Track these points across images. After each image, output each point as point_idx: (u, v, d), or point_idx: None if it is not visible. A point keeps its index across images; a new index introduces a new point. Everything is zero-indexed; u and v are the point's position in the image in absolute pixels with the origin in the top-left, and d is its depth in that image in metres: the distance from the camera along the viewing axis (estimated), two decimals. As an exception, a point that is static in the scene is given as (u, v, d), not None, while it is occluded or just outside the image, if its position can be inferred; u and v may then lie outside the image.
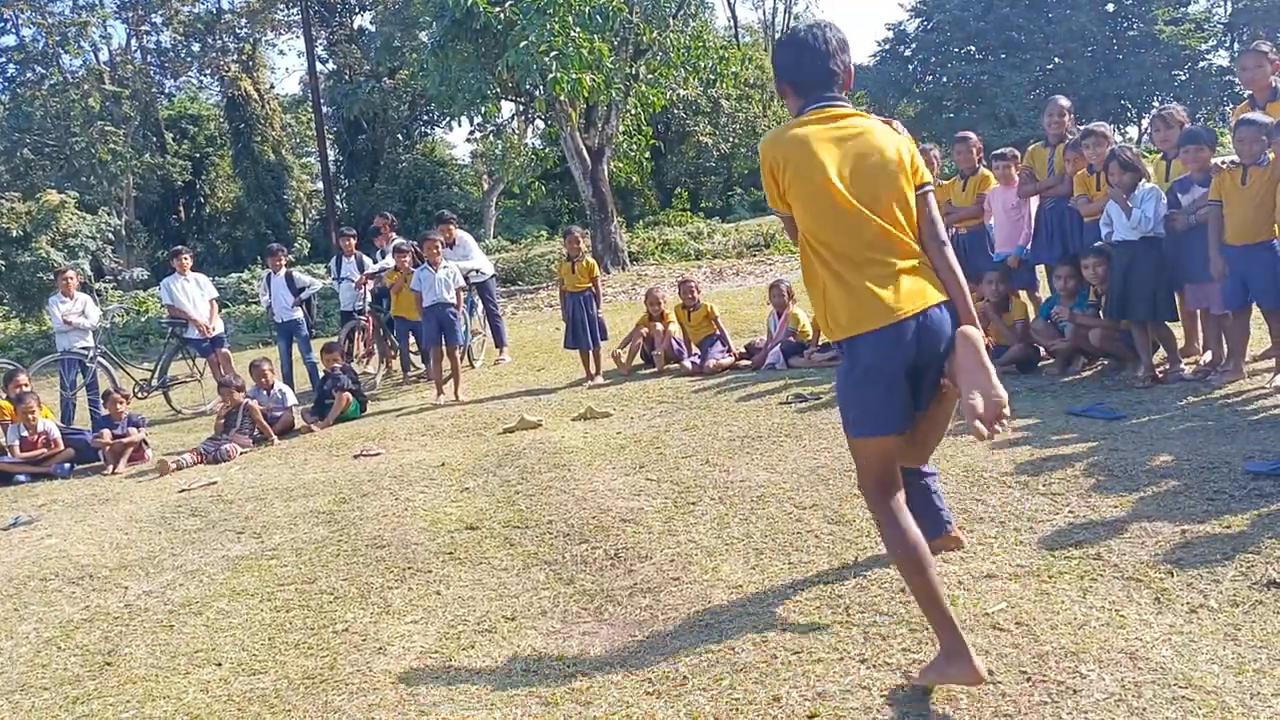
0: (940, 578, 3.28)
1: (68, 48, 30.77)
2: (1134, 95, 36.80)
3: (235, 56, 34.69)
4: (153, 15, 33.22)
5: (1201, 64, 37.18)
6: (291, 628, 3.71)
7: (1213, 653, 2.64)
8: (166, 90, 36.82)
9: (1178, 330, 6.30)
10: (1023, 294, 7.07)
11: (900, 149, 2.59)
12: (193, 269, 10.08)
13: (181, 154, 34.34)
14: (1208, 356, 5.97)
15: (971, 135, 7.49)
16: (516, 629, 3.42)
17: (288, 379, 9.40)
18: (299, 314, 9.98)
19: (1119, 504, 3.80)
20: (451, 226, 10.12)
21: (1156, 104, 35.20)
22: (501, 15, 16.23)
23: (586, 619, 3.42)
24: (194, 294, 9.80)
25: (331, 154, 31.52)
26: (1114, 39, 36.96)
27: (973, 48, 37.53)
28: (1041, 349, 6.60)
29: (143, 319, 19.61)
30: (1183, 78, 36.88)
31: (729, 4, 42.36)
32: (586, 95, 16.54)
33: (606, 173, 19.66)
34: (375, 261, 10.49)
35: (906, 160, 2.59)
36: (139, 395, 9.55)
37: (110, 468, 7.37)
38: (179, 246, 11.06)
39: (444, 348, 8.39)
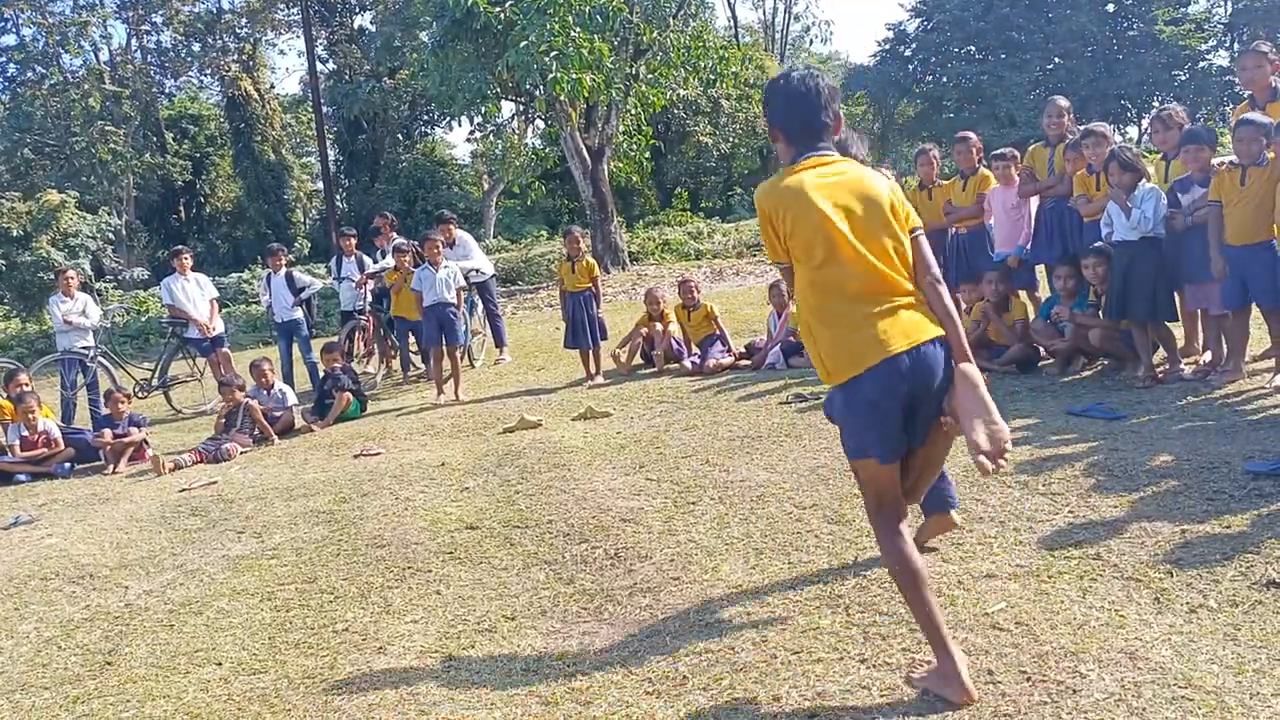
0: (940, 578, 3.29)
1: (68, 47, 30.76)
2: (1134, 95, 36.76)
3: (235, 56, 34.68)
4: (153, 15, 33.20)
5: (1201, 64, 37.14)
6: (292, 627, 3.71)
7: (1212, 653, 2.64)
8: (167, 90, 36.80)
9: (1178, 330, 6.31)
10: (1023, 294, 7.07)
11: (892, 194, 2.66)
12: (193, 269, 10.09)
13: (182, 154, 34.33)
14: (1207, 356, 5.98)
15: (972, 135, 7.49)
16: (516, 628, 3.42)
17: (288, 379, 9.40)
18: (299, 314, 9.98)
19: (1119, 504, 3.80)
20: (451, 226, 10.12)
21: (1156, 104, 35.18)
22: (502, 15, 16.22)
23: (586, 619, 3.43)
24: (194, 294, 9.80)
25: (332, 154, 31.51)
26: (1114, 39, 36.92)
27: (973, 48, 37.48)
28: (1041, 349, 6.60)
29: (143, 319, 19.61)
30: (1183, 78, 36.84)
31: (729, 4, 42.37)
32: (586, 95, 16.54)
33: (606, 173, 19.66)
34: (375, 261, 10.49)
35: (899, 204, 2.66)
36: (139, 395, 9.55)
37: (111, 467, 7.38)
38: (179, 246, 11.07)
39: (444, 347, 8.40)
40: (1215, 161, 5.61)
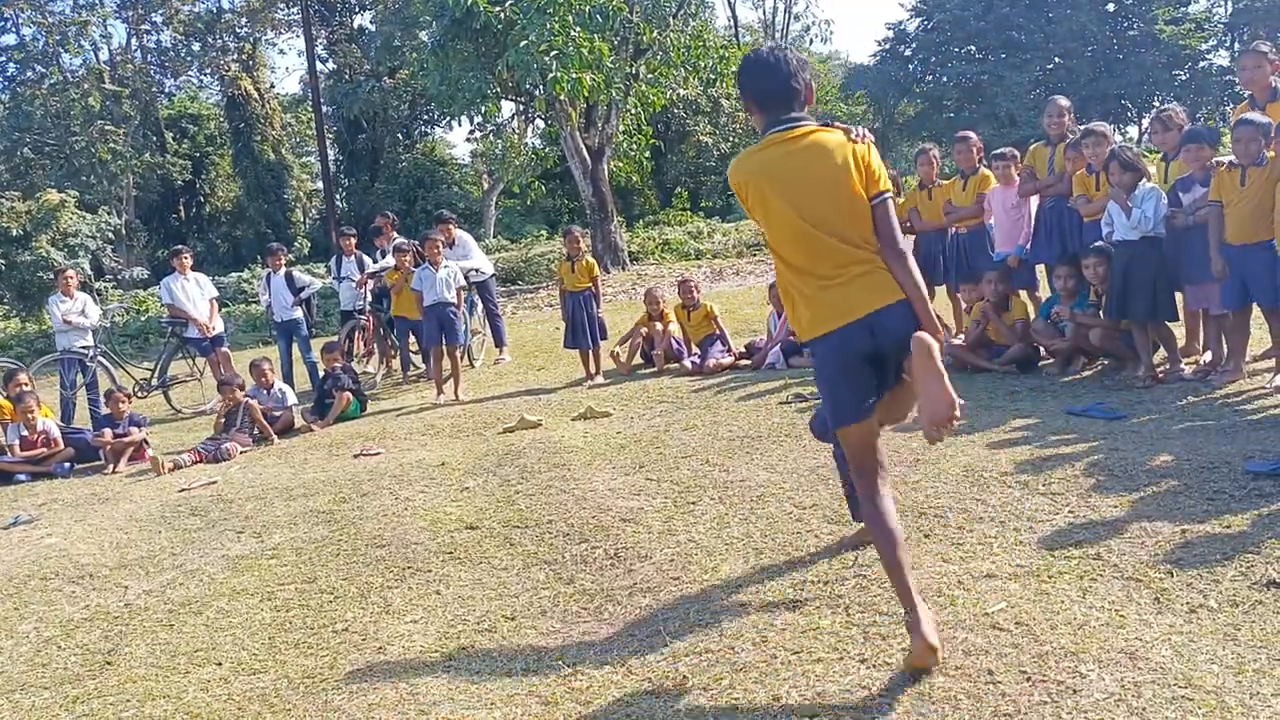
0: (940, 578, 3.30)
1: (68, 47, 30.73)
2: (1134, 95, 36.75)
3: (235, 56, 34.66)
4: (153, 14, 33.18)
5: (1202, 64, 37.13)
6: (291, 627, 3.71)
7: (1212, 653, 2.64)
8: (166, 89, 36.78)
9: (1178, 330, 6.31)
10: (1023, 294, 7.07)
11: (851, 161, 2.73)
12: (193, 268, 10.09)
13: (181, 153, 34.31)
14: (1208, 356, 5.97)
15: (972, 135, 7.50)
16: (516, 628, 3.42)
17: (288, 378, 9.40)
18: (299, 313, 9.98)
19: (1119, 504, 3.80)
20: (451, 226, 10.12)
21: (1157, 104, 35.17)
22: (501, 15, 16.22)
23: (586, 618, 3.43)
24: (194, 293, 9.80)
25: (331, 153, 31.49)
26: (1114, 39, 36.91)
27: (973, 47, 37.46)
28: (1042, 349, 6.60)
29: (143, 318, 19.61)
30: (1183, 78, 36.83)
31: (729, 3, 42.32)
32: (586, 95, 16.53)
33: (606, 172, 19.65)
34: (375, 261, 10.50)
35: (859, 172, 2.73)
36: (139, 395, 9.55)
37: (110, 467, 7.38)
38: (179, 246, 11.07)
39: (444, 347, 8.40)
40: (1214, 160, 5.61)
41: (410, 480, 5.72)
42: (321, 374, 8.87)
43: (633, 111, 19.56)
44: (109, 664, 3.59)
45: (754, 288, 14.32)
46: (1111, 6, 36.81)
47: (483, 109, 18.68)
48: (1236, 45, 35.94)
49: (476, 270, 10.11)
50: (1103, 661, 2.65)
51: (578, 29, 15.76)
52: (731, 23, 40.14)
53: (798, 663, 2.87)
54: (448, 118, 21.26)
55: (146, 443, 7.69)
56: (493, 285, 10.80)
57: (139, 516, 5.75)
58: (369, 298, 9.96)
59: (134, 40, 34.84)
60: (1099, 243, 6.03)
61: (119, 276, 27.68)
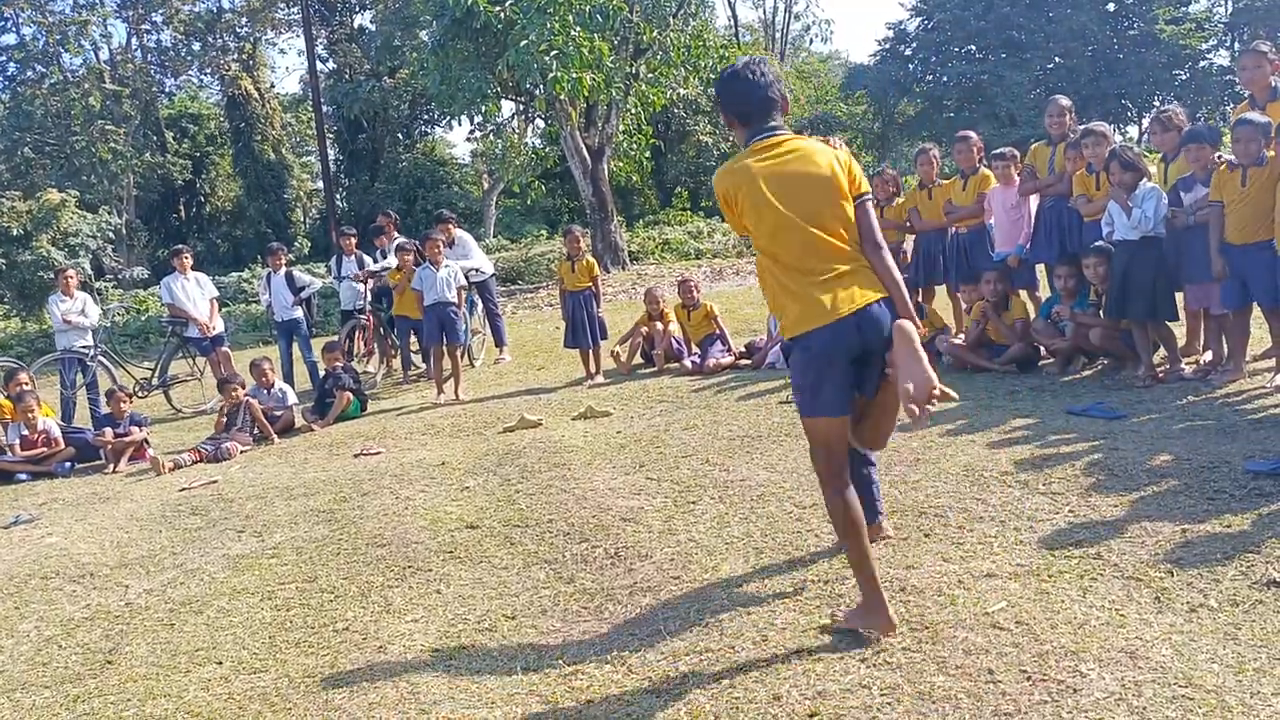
0: (940, 577, 3.30)
1: (68, 46, 30.74)
2: (1134, 95, 36.76)
3: (235, 55, 34.67)
4: (153, 14, 33.20)
5: (1202, 63, 37.14)
6: (292, 626, 3.71)
7: (1213, 652, 2.64)
8: (167, 89, 36.79)
9: (1179, 330, 6.30)
10: (1023, 293, 7.07)
11: (835, 164, 2.91)
12: (193, 268, 10.09)
13: (182, 153, 34.31)
14: (1208, 356, 5.97)
15: (972, 135, 7.50)
16: (517, 628, 3.42)
17: (288, 378, 9.40)
18: (299, 313, 9.98)
19: (1119, 503, 3.80)
20: (451, 226, 10.12)
21: (1157, 103, 35.16)
22: (502, 14, 16.21)
23: (587, 618, 3.43)
24: (194, 293, 9.80)
25: (332, 153, 31.47)
26: (1114, 38, 36.91)
27: (973, 47, 37.47)
28: (1042, 348, 6.60)
29: (143, 318, 19.61)
30: (1183, 77, 36.84)
31: (729, 3, 42.31)
32: (587, 94, 16.52)
33: (606, 172, 19.64)
34: (375, 260, 10.50)
35: (843, 174, 2.91)
36: (139, 394, 9.55)
37: (111, 466, 7.38)
38: (179, 245, 11.07)
39: (445, 346, 8.40)
40: (1218, 154, 5.60)
41: (411, 479, 5.72)
42: (322, 373, 8.87)
43: (633, 111, 19.55)
44: (110, 663, 3.59)
45: (754, 288, 14.31)
46: (1112, 6, 36.80)
47: (483, 108, 18.67)
48: (1237, 45, 35.93)
49: (476, 270, 10.11)
50: (1103, 661, 2.65)
51: (578, 29, 15.75)
52: (731, 22, 40.13)
53: (798, 662, 2.88)
54: (448, 117, 21.25)
55: (147, 442, 7.69)
56: (493, 285, 10.80)
57: (140, 516, 5.75)
58: (368, 297, 9.96)
59: (134, 40, 34.86)
60: (1099, 242, 6.03)
61: (119, 276, 27.68)
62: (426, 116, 35.41)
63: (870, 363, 2.90)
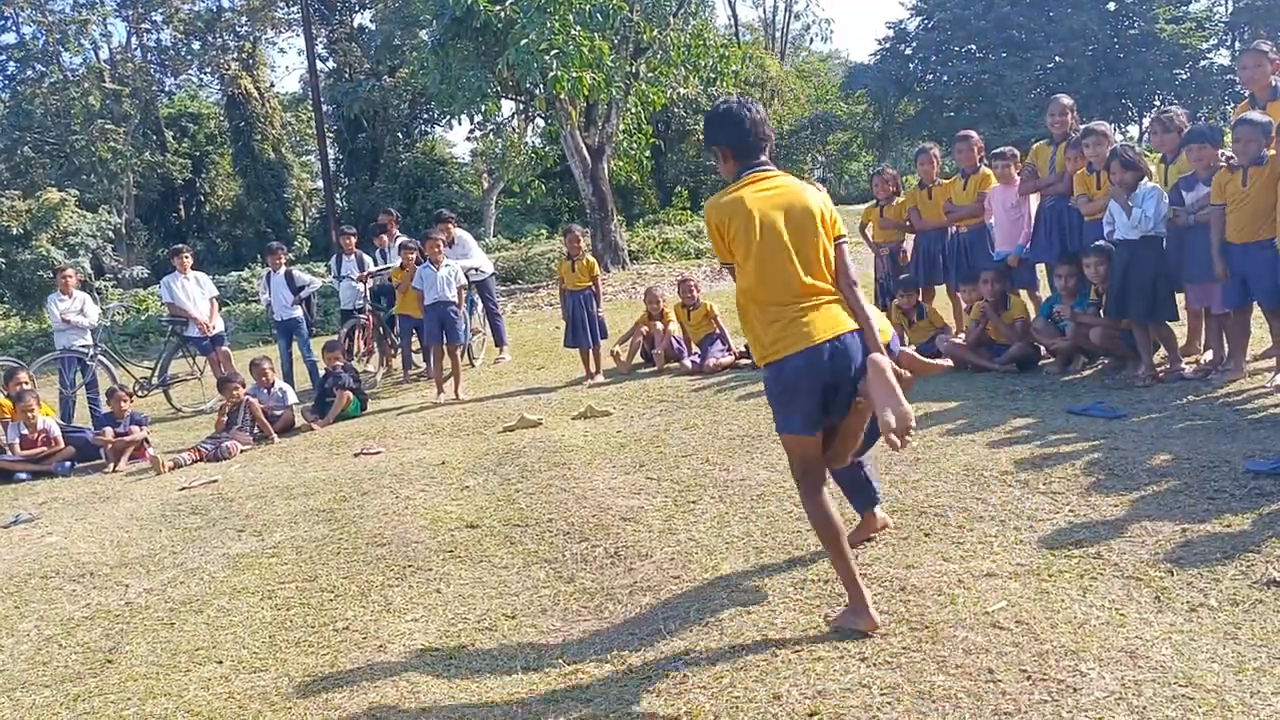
0: (940, 576, 3.30)
1: (68, 45, 30.72)
2: (1135, 94, 36.77)
3: (235, 55, 34.64)
4: (153, 13, 33.16)
5: (1203, 63, 37.15)
6: (292, 625, 3.71)
7: (1213, 651, 2.64)
8: (167, 88, 36.75)
9: (1179, 329, 6.30)
10: (1023, 293, 7.07)
11: (819, 206, 3.08)
12: (193, 267, 10.09)
13: (181, 152, 34.28)
14: (1208, 355, 5.97)
15: (973, 134, 7.49)
16: (517, 627, 3.42)
17: (288, 377, 9.40)
18: (299, 312, 9.98)
19: (1119, 503, 3.80)
20: (451, 225, 10.12)
21: (1157, 103, 35.18)
22: (502, 13, 16.20)
23: (587, 617, 3.43)
24: (194, 292, 9.80)
25: (331, 152, 31.44)
26: (1115, 38, 36.91)
27: (973, 46, 37.48)
28: (1042, 348, 6.59)
29: (143, 317, 19.60)
30: (1184, 77, 36.84)
31: (729, 2, 42.33)
32: (587, 94, 16.50)
33: (607, 171, 19.61)
34: (375, 260, 10.50)
35: (826, 216, 3.09)
36: (139, 393, 9.55)
37: (111, 466, 7.38)
38: (179, 245, 11.06)
39: (445, 346, 8.40)
40: (1221, 152, 5.59)
41: (411, 479, 5.72)
42: (322, 373, 8.87)
43: (633, 110, 19.52)
44: (110, 662, 3.59)
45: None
46: (1112, 5, 36.80)
47: (483, 108, 18.63)
48: (1237, 44, 35.92)
49: (476, 269, 10.11)
50: (1103, 660, 2.65)
51: (578, 28, 15.73)
52: (732, 22, 40.14)
53: (798, 661, 2.88)
54: (448, 116, 21.22)
55: (147, 441, 7.69)
56: (493, 284, 10.80)
57: (140, 515, 5.75)
58: (368, 296, 9.96)
59: (134, 39, 34.85)
60: (1100, 242, 6.02)
61: (119, 275, 27.66)
62: (426, 116, 35.39)
63: (839, 390, 3.05)
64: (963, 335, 7.07)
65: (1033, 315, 6.82)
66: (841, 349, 3.00)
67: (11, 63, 30.81)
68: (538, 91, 18.35)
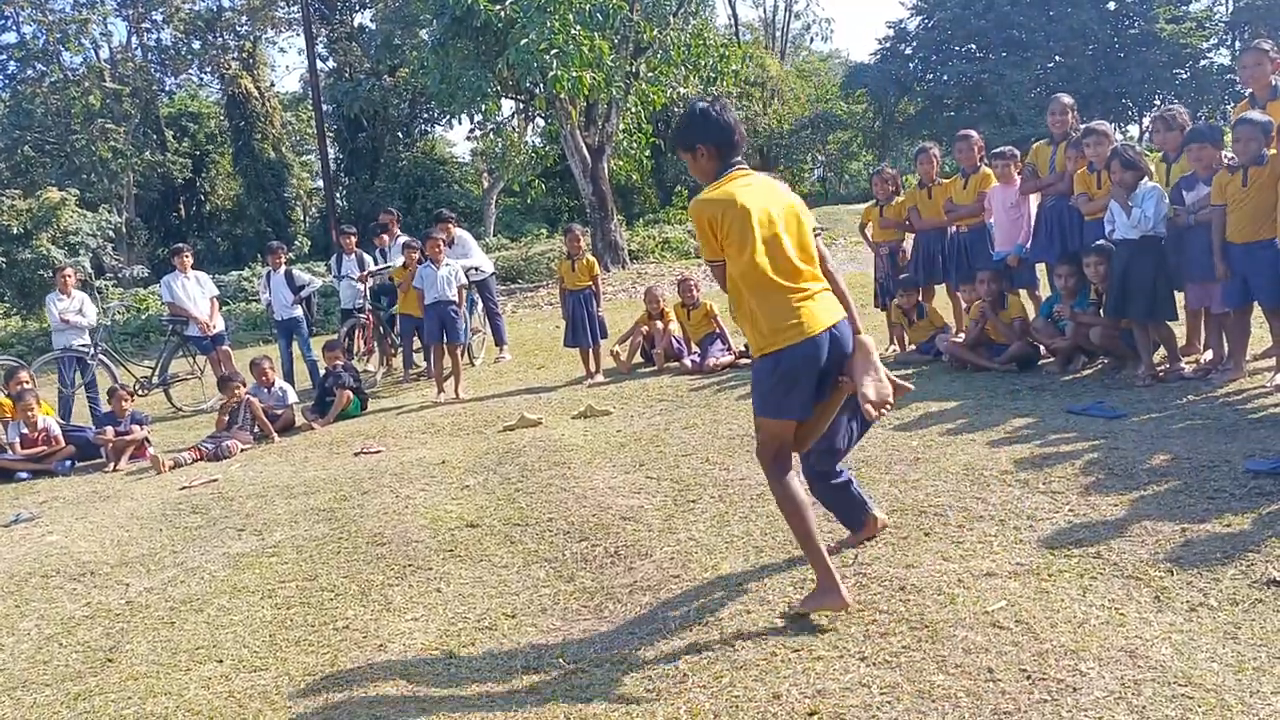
0: (940, 576, 3.30)
1: (68, 45, 30.72)
2: (1135, 94, 36.74)
3: (235, 54, 34.66)
4: (153, 13, 33.16)
5: (1203, 62, 37.13)
6: (292, 625, 3.71)
7: (1213, 651, 2.64)
8: (167, 88, 36.74)
9: (1179, 329, 6.30)
10: (1023, 292, 7.06)
11: (794, 199, 3.26)
12: (193, 266, 10.10)
13: (182, 151, 34.30)
14: (1208, 355, 5.97)
15: (973, 134, 7.49)
16: (517, 626, 3.42)
17: (288, 377, 9.41)
18: (299, 312, 9.98)
19: (1119, 502, 3.80)
20: (451, 225, 10.12)
21: (1158, 102, 35.17)
22: (502, 13, 16.20)
23: (587, 616, 3.43)
24: (194, 292, 9.81)
25: (332, 152, 31.44)
26: (1115, 37, 36.89)
27: (974, 46, 37.48)
28: (1042, 347, 6.59)
29: (143, 317, 19.61)
30: (1184, 76, 36.83)
31: (729, 2, 42.29)
32: (587, 93, 16.51)
33: (607, 171, 19.62)
34: (375, 259, 10.51)
35: (800, 207, 3.25)
36: (140, 392, 9.56)
37: (111, 465, 7.38)
38: (179, 244, 11.06)
39: (445, 345, 8.40)
40: (1224, 152, 5.59)
41: (411, 478, 5.72)
42: (322, 372, 8.87)
43: (633, 110, 19.53)
44: (110, 661, 3.60)
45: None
46: (1112, 5, 36.79)
47: (483, 107, 18.65)
48: (1237, 44, 35.91)
49: (477, 269, 10.12)
50: (1103, 660, 2.65)
51: (578, 27, 15.74)
52: (732, 21, 40.13)
53: (798, 660, 2.88)
54: (448, 116, 21.24)
55: (148, 440, 7.70)
56: (493, 284, 10.80)
57: (140, 514, 5.75)
58: (368, 295, 9.96)
59: (134, 38, 34.84)
60: (1100, 241, 6.02)
61: (119, 275, 27.65)
62: (426, 115, 35.39)
63: (829, 375, 3.16)
64: (963, 335, 7.07)
65: (1033, 315, 6.82)
66: (837, 337, 3.14)
67: (12, 62, 30.82)
68: (538, 91, 18.36)
